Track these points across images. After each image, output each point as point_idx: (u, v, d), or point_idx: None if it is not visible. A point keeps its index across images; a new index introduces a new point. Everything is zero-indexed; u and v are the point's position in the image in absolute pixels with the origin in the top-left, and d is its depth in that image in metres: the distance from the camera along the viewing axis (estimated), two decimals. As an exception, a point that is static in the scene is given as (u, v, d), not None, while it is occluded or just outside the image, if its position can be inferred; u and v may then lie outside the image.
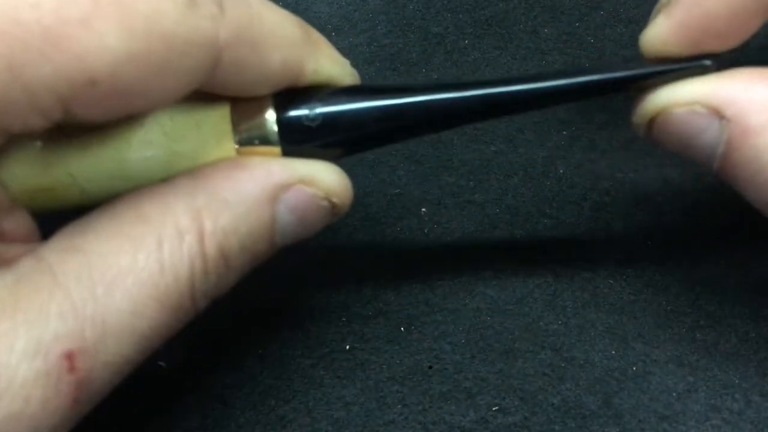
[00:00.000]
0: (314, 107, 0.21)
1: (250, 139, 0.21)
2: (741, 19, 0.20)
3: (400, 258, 0.29)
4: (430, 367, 0.26)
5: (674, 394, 0.25)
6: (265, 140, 0.21)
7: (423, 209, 0.30)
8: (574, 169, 0.31)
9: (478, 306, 0.27)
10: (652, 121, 0.22)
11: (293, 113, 0.21)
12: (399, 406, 0.25)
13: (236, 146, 0.21)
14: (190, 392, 0.26)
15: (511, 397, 0.25)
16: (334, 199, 0.22)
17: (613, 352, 0.26)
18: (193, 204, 0.19)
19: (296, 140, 0.21)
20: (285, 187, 0.21)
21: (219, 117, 0.21)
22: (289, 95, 0.22)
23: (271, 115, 0.21)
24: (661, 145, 0.22)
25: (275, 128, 0.21)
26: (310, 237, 0.23)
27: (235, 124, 0.21)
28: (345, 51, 0.35)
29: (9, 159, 0.20)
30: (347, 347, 0.27)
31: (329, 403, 0.25)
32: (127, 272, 0.18)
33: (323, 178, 0.21)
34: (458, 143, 0.32)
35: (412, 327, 0.27)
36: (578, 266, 0.28)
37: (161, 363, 0.26)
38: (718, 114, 0.20)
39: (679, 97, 0.21)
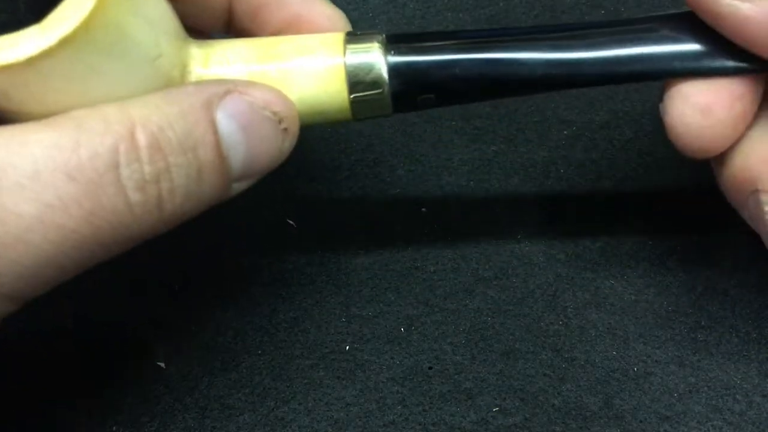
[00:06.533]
0: (425, 53, 0.22)
1: (360, 79, 0.22)
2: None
3: (400, 258, 0.29)
4: (431, 368, 0.26)
5: (675, 395, 0.25)
6: (374, 81, 0.22)
7: (423, 209, 0.30)
8: (575, 169, 0.31)
9: (479, 306, 0.27)
10: None
11: (403, 58, 0.22)
12: (399, 407, 0.25)
13: (347, 85, 0.22)
14: (190, 392, 0.26)
15: (511, 398, 0.25)
16: (276, 109, 0.21)
17: (614, 352, 0.26)
18: (124, 106, 0.19)
19: (404, 83, 0.22)
20: (219, 95, 0.20)
21: (332, 53, 0.22)
22: (398, 37, 0.22)
23: (381, 57, 0.22)
24: None
25: (385, 70, 0.22)
26: (272, 162, 0.22)
27: (347, 61, 0.22)
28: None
29: None
30: (347, 348, 0.27)
31: (329, 403, 0.25)
32: (34, 144, 0.17)
33: (257, 89, 0.21)
34: (458, 143, 0.32)
35: (412, 327, 0.27)
36: (579, 267, 0.28)
37: (161, 363, 0.26)
38: None
39: None
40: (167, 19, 0.21)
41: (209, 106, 0.20)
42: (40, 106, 0.18)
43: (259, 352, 0.27)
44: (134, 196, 0.18)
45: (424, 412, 0.25)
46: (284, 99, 0.21)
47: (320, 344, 0.27)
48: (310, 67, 0.22)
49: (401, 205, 0.30)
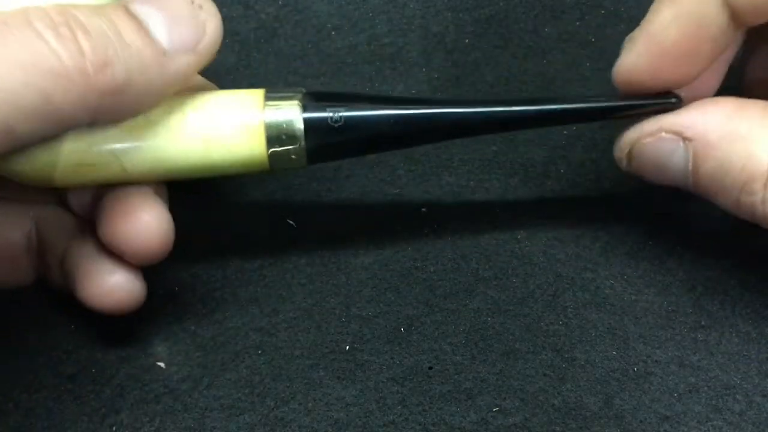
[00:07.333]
0: (339, 110, 0.24)
1: (278, 135, 0.23)
2: (690, 58, 0.24)
3: (400, 258, 0.29)
4: (431, 368, 0.26)
5: (675, 395, 0.25)
6: (291, 136, 0.23)
7: (423, 209, 0.30)
8: (575, 169, 0.31)
9: (479, 306, 0.27)
10: (630, 154, 0.26)
11: (319, 114, 0.24)
12: (399, 407, 0.25)
13: (265, 140, 0.23)
14: (190, 392, 0.26)
15: (511, 398, 0.25)
16: None
17: (614, 352, 0.26)
18: None
19: (319, 138, 0.24)
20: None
21: (252, 110, 0.23)
22: (315, 95, 0.24)
23: (298, 114, 0.24)
24: (642, 173, 0.26)
25: (302, 126, 0.23)
26: (196, 36, 0.22)
27: (266, 119, 0.23)
28: (345, 50, 0.35)
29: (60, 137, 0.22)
30: (347, 348, 0.27)
31: (329, 404, 0.25)
32: None
33: None
34: (458, 143, 0.32)
35: (412, 327, 0.27)
36: (579, 266, 0.28)
37: (161, 363, 0.26)
38: (681, 136, 0.24)
39: (647, 129, 0.25)
40: None
41: (121, 2, 0.21)
42: None
43: (259, 352, 0.27)
44: (46, 32, 0.19)
45: (424, 412, 0.25)
46: None
47: (320, 344, 0.27)
48: (232, 122, 0.23)
49: (401, 205, 0.30)
